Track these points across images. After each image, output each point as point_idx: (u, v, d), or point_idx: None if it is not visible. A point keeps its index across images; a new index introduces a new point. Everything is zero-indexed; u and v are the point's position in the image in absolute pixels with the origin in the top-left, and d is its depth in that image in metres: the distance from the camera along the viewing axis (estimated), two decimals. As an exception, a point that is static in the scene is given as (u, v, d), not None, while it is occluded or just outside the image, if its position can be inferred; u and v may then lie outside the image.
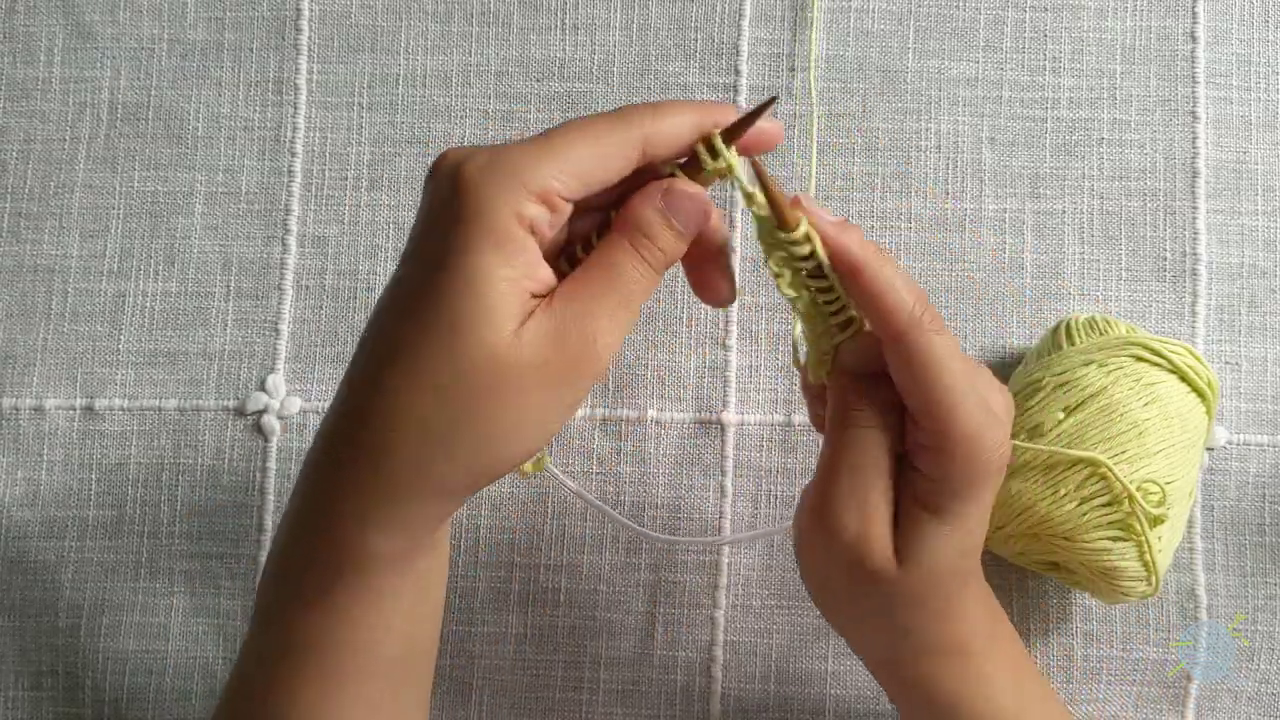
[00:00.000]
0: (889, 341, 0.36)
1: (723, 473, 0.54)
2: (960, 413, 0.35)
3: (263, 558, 0.54)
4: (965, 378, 0.36)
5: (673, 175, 0.36)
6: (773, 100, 0.36)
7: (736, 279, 0.55)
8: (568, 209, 0.34)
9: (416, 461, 0.33)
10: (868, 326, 0.37)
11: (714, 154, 0.35)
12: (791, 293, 0.37)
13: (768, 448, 0.54)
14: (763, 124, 0.36)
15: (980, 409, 0.36)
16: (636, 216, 0.35)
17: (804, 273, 0.36)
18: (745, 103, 0.56)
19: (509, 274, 0.32)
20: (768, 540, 0.53)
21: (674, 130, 0.35)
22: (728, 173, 0.35)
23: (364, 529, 0.34)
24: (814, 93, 0.56)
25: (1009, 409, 0.37)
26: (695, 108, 0.35)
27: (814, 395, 0.41)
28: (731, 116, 0.36)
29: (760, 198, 0.35)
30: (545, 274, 0.34)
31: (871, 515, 0.37)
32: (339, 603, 0.36)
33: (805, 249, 0.35)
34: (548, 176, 0.33)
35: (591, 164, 0.33)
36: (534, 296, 0.33)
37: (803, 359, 0.40)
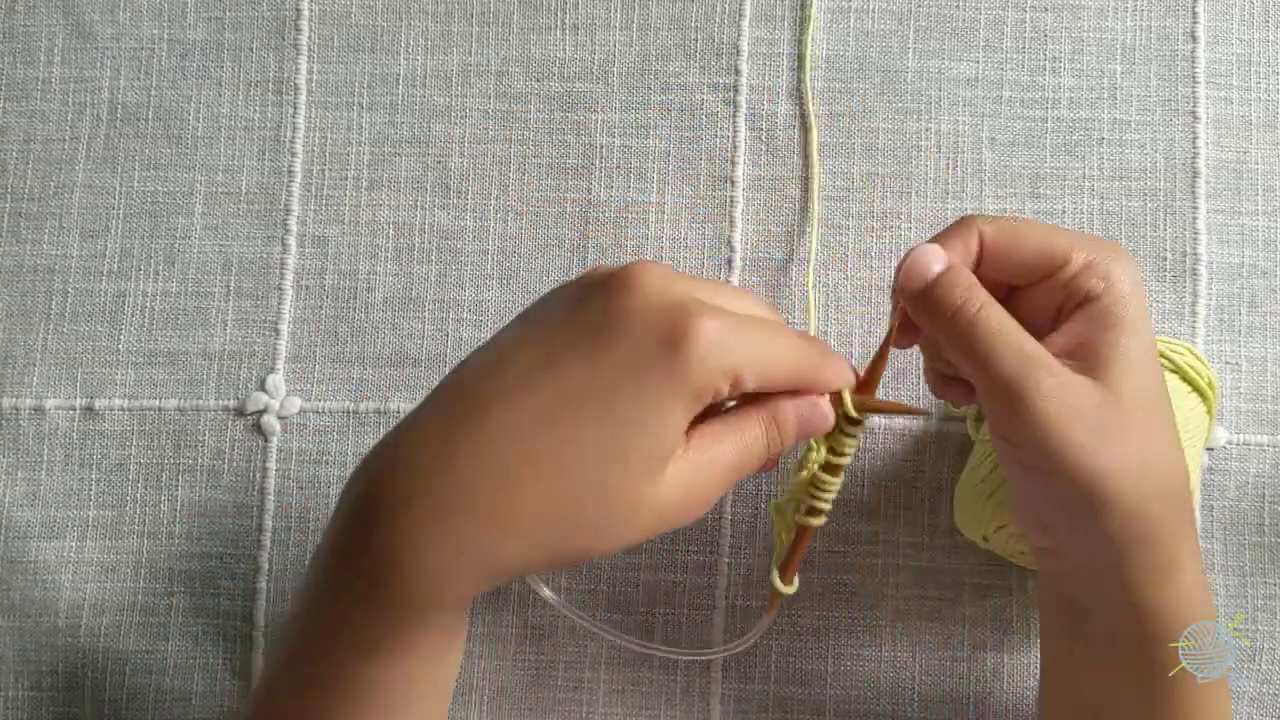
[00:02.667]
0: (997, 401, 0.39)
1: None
2: (1072, 240, 0.40)
3: (263, 558, 0.54)
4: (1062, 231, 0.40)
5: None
6: (915, 411, 0.44)
7: (737, 280, 0.55)
8: (733, 394, 0.36)
9: (529, 546, 0.35)
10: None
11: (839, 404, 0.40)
12: (806, 473, 0.42)
13: (768, 448, 0.54)
14: (828, 412, 0.39)
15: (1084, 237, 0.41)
16: (783, 409, 0.38)
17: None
18: (744, 102, 0.56)
19: (684, 426, 0.35)
20: (768, 538, 0.53)
21: (840, 379, 0.39)
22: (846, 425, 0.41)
23: (446, 583, 0.34)
24: (806, 85, 0.56)
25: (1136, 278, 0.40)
26: (850, 375, 0.40)
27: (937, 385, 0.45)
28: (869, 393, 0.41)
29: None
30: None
31: (1049, 361, 0.37)
32: (396, 651, 0.36)
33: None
34: (751, 370, 0.36)
35: (780, 375, 0.37)
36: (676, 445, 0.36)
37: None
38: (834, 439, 0.41)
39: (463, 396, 0.36)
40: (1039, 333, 0.39)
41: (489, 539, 0.34)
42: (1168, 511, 0.38)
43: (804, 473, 0.41)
